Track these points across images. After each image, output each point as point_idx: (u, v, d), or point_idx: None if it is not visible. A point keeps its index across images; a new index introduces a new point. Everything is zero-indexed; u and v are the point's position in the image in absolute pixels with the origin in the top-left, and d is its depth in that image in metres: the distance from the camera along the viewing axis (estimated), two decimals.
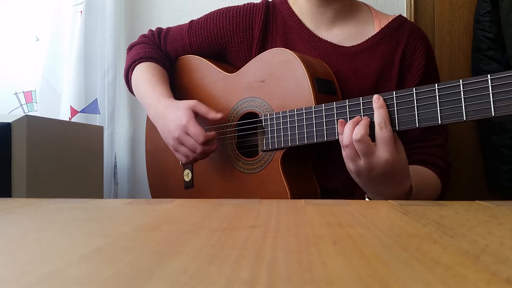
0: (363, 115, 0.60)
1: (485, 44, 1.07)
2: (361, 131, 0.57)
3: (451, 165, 0.78)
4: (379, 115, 0.57)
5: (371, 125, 0.58)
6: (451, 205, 0.42)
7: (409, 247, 0.25)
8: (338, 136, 0.62)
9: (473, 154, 1.13)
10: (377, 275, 0.20)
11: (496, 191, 1.10)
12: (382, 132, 0.56)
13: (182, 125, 0.72)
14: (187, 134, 0.72)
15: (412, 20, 1.12)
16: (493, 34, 1.05)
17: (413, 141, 0.76)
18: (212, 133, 0.73)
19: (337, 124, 0.62)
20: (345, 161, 0.61)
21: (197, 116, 0.74)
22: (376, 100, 0.58)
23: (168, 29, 0.94)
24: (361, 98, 0.61)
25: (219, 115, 0.74)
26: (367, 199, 0.65)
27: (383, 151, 0.56)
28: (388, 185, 0.59)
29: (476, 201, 0.45)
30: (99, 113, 1.18)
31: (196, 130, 0.71)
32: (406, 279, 0.19)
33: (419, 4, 1.14)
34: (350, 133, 0.58)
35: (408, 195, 0.62)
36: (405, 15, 1.13)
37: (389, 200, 0.46)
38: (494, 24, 1.05)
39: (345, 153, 0.59)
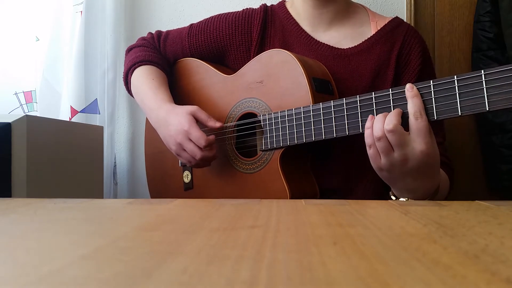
0: (361, 112, 0.60)
1: (485, 44, 1.07)
2: (393, 121, 0.54)
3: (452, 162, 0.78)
4: (414, 104, 0.54)
5: (403, 116, 0.56)
6: (451, 205, 0.42)
7: (409, 247, 0.25)
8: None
9: (473, 154, 1.13)
10: (377, 275, 0.20)
11: (496, 191, 1.10)
12: (417, 122, 0.54)
13: (184, 130, 0.73)
14: (189, 139, 0.73)
15: (412, 20, 1.12)
16: (493, 34, 1.05)
17: None
18: (212, 136, 0.74)
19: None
20: (373, 157, 0.57)
21: (197, 122, 0.75)
22: (410, 89, 0.55)
23: (168, 32, 0.95)
24: (357, 96, 0.61)
25: (218, 124, 0.75)
26: (393, 198, 0.62)
27: (419, 142, 0.54)
28: (421, 179, 0.57)
29: (476, 201, 0.45)
30: (99, 113, 1.17)
31: (198, 135, 0.72)
32: (406, 279, 0.19)
33: (419, 4, 1.14)
34: (381, 124, 0.55)
35: (435, 193, 0.60)
36: (405, 15, 1.13)
37: (389, 200, 0.46)
38: (494, 24, 1.05)
39: (376, 147, 0.56)
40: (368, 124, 0.58)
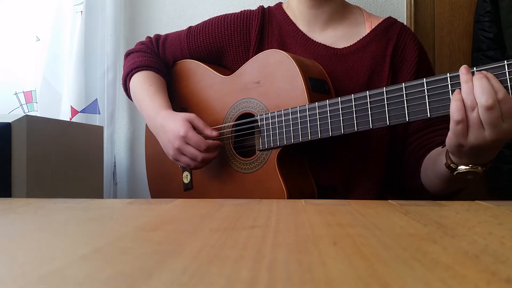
0: (355, 110, 0.61)
1: (485, 44, 1.07)
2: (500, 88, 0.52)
3: None
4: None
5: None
6: (451, 205, 0.42)
7: (409, 247, 0.25)
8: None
9: None
10: (377, 275, 0.20)
11: (496, 191, 1.10)
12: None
13: (182, 136, 0.73)
14: (187, 143, 0.74)
15: (412, 20, 1.12)
16: (493, 34, 1.05)
17: (421, 128, 0.76)
18: (216, 142, 0.75)
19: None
20: (460, 134, 0.53)
21: (195, 129, 0.76)
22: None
23: (167, 35, 0.96)
24: (352, 95, 0.62)
25: (214, 133, 0.76)
26: (451, 166, 0.60)
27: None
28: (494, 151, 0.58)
29: (476, 201, 0.45)
30: (99, 113, 1.17)
31: (197, 139, 0.73)
32: (406, 279, 0.19)
33: (419, 4, 1.14)
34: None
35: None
36: (405, 15, 1.13)
37: (389, 200, 0.46)
38: (494, 24, 1.05)
39: (466, 122, 0.52)
40: (457, 96, 0.52)
